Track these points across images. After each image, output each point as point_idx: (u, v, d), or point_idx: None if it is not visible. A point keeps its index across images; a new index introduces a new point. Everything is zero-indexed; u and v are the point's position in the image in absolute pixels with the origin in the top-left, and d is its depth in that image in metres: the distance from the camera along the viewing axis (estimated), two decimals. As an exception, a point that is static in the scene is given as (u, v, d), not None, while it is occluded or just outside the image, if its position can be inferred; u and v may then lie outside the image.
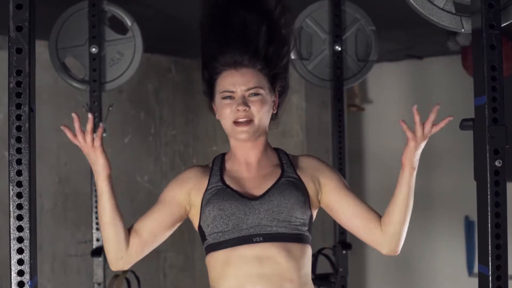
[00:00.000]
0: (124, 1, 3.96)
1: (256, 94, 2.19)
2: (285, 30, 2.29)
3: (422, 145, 2.21)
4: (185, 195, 2.24)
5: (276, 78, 2.26)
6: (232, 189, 2.19)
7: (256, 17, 2.23)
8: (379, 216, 2.25)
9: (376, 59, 4.07)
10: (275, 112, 2.27)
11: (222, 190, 2.19)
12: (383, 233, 2.22)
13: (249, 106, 2.17)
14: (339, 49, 3.97)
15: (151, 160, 5.71)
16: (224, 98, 2.20)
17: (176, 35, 4.98)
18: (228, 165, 2.27)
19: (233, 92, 2.18)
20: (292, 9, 2.33)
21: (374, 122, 6.19)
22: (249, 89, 2.18)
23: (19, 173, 1.97)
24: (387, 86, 6.08)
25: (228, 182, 2.21)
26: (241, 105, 2.16)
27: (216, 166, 2.26)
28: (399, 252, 2.25)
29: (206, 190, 2.21)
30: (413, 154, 2.19)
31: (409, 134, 2.18)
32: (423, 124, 2.19)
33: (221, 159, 2.29)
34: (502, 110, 2.21)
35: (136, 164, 5.60)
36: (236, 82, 2.19)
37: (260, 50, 2.21)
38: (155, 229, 2.26)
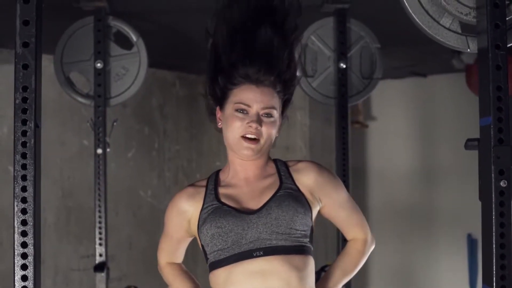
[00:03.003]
0: (129, 17, 3.98)
1: (269, 115, 2.19)
2: (297, 57, 2.31)
3: None
4: (187, 227, 2.27)
5: (287, 103, 2.28)
6: (228, 206, 2.18)
7: (281, 40, 2.24)
8: (358, 233, 2.38)
9: (381, 76, 4.07)
10: (277, 135, 2.27)
11: (218, 208, 2.18)
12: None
13: (261, 126, 2.17)
14: (344, 66, 3.96)
15: (154, 174, 5.71)
16: (237, 110, 2.18)
17: (181, 50, 4.99)
18: (224, 182, 2.27)
19: (249, 107, 2.18)
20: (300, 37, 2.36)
21: (378, 139, 6.19)
22: (265, 108, 2.18)
23: (24, 189, 1.97)
24: (391, 103, 6.08)
25: (224, 199, 2.21)
26: (255, 122, 2.16)
27: (211, 185, 2.25)
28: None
29: (202, 209, 2.21)
30: None
31: None
32: None
33: (215, 176, 2.29)
34: (507, 130, 2.21)
35: (140, 178, 5.60)
36: (255, 98, 2.18)
37: (282, 74, 2.22)
38: (181, 249, 2.38)
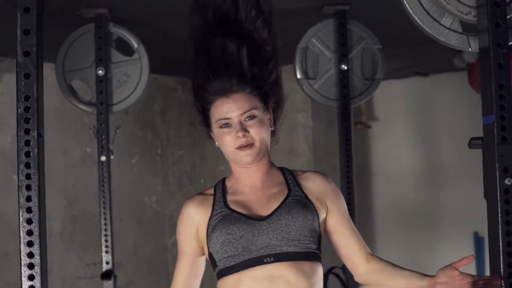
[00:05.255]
0: (130, 23, 3.98)
1: (252, 117, 2.17)
2: (269, 45, 2.28)
3: None
4: (195, 235, 2.25)
5: (267, 95, 2.25)
6: (238, 212, 2.18)
7: (235, 40, 2.23)
8: (366, 253, 2.28)
9: (382, 77, 4.07)
10: (272, 129, 2.26)
11: (227, 215, 2.18)
12: (366, 271, 2.26)
13: (248, 131, 2.16)
14: (345, 68, 3.96)
15: (158, 180, 5.71)
16: (221, 127, 2.19)
17: (182, 56, 4.97)
18: (231, 189, 2.26)
19: (229, 119, 2.17)
20: (274, 22, 2.31)
21: (381, 139, 6.19)
22: (244, 113, 2.17)
23: (28, 199, 1.97)
24: (393, 103, 6.08)
25: (233, 206, 2.20)
26: (240, 131, 2.15)
27: (219, 193, 2.25)
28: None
29: (211, 217, 2.20)
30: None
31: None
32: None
33: (222, 184, 2.28)
34: (511, 128, 2.21)
35: (144, 184, 5.61)
36: (230, 109, 2.17)
37: (245, 73, 2.21)
38: (196, 274, 2.32)
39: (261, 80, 2.23)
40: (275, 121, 2.29)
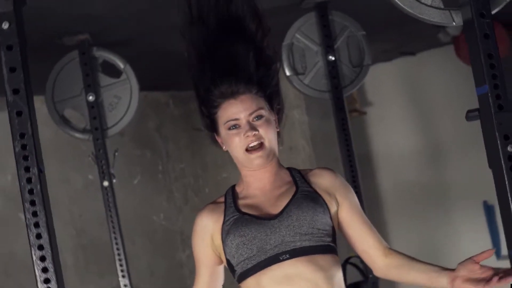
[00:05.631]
0: (113, 44, 3.97)
1: (260, 117, 2.20)
2: (269, 50, 2.32)
3: None
4: (211, 243, 2.25)
5: (272, 97, 2.28)
6: (249, 214, 2.19)
7: (241, 45, 2.27)
8: (382, 245, 2.26)
9: (371, 62, 4.07)
10: (278, 130, 2.28)
11: (239, 219, 2.18)
12: (385, 265, 2.24)
13: (257, 130, 2.18)
14: (333, 58, 3.96)
15: (163, 197, 5.71)
16: (230, 128, 2.20)
17: (170, 69, 4.99)
18: (241, 194, 2.27)
19: (237, 120, 2.19)
20: (271, 29, 2.36)
21: (377, 123, 6.18)
22: (252, 113, 2.19)
23: (38, 236, 1.97)
24: (384, 86, 6.08)
25: (244, 210, 2.21)
26: (249, 130, 2.17)
27: (229, 199, 2.26)
28: None
29: (223, 223, 2.21)
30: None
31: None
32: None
33: (231, 191, 2.29)
34: (505, 96, 2.21)
35: (150, 203, 5.60)
36: (238, 110, 2.20)
37: (252, 75, 2.24)
38: (218, 286, 2.33)
39: (266, 82, 2.27)
40: (279, 122, 2.31)
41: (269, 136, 2.20)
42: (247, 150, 2.19)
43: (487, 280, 2.02)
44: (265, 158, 2.19)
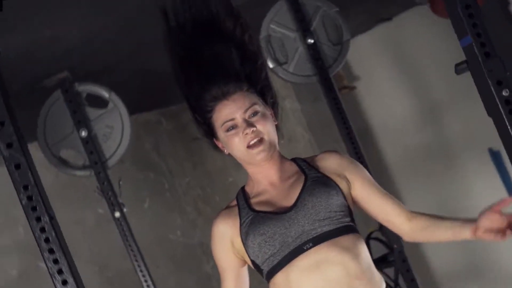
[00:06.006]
0: (94, 74, 3.96)
1: (255, 113, 2.19)
2: (252, 45, 2.30)
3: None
4: (231, 248, 2.24)
5: (264, 91, 2.27)
6: (263, 212, 2.18)
7: (223, 45, 2.25)
8: (404, 210, 2.26)
9: (350, 37, 4.06)
10: (276, 123, 2.27)
11: (255, 218, 2.17)
12: (412, 230, 2.24)
13: (255, 126, 2.17)
14: (312, 41, 3.95)
15: (176, 214, 5.70)
16: (227, 130, 2.19)
17: (154, 88, 4.99)
18: (252, 193, 2.26)
19: (233, 119, 2.18)
20: (251, 24, 2.34)
21: (369, 95, 6.17)
22: (247, 110, 2.18)
23: (64, 282, 1.96)
24: (368, 57, 6.06)
25: (258, 208, 2.20)
26: (247, 128, 2.16)
27: (241, 201, 2.25)
28: None
29: (241, 225, 2.20)
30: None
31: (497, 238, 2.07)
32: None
33: (242, 192, 2.29)
34: (490, 42, 2.21)
35: (164, 223, 5.59)
36: (232, 110, 2.18)
37: (239, 73, 2.22)
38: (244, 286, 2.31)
39: (255, 77, 2.25)
40: (275, 116, 2.30)
41: (267, 129, 2.19)
42: (248, 146, 2.18)
43: (508, 228, 2.03)
44: (267, 152, 2.18)
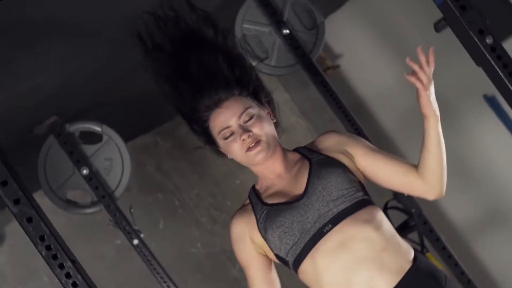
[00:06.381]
0: (83, 112, 3.97)
1: (250, 117, 2.18)
2: (236, 48, 2.29)
3: (432, 89, 2.16)
4: (252, 245, 2.24)
5: (257, 91, 2.25)
6: (276, 204, 2.18)
7: (207, 54, 2.23)
8: (414, 166, 2.22)
9: (323, 18, 4.07)
10: (274, 121, 2.27)
11: (270, 211, 2.18)
12: (424, 182, 2.19)
13: (251, 131, 2.16)
14: (288, 31, 3.95)
15: (192, 227, 5.71)
16: (225, 138, 2.19)
17: (144, 109, 4.99)
18: (262, 189, 2.27)
19: (229, 127, 2.18)
20: (230, 28, 2.34)
21: (354, 70, 6.16)
22: (241, 116, 2.18)
23: (100, 324, 1.97)
24: (346, 33, 6.05)
25: (270, 201, 2.20)
26: (243, 133, 2.16)
27: (253, 198, 2.25)
28: (444, 193, 2.21)
29: (257, 221, 2.20)
30: (430, 101, 2.13)
31: (418, 85, 2.12)
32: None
33: (253, 190, 2.29)
34: (463, -6, 2.21)
35: (183, 239, 5.60)
36: (226, 117, 2.18)
37: (229, 79, 2.21)
38: (270, 275, 2.28)
39: (245, 80, 2.23)
40: (273, 113, 2.29)
41: (264, 131, 2.18)
42: (247, 150, 2.17)
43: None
44: (266, 151, 2.17)
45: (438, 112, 2.16)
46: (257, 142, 2.16)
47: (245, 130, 2.16)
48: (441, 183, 2.20)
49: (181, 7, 2.31)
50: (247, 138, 2.15)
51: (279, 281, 2.31)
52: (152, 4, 2.25)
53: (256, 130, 2.17)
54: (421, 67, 2.14)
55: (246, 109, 2.18)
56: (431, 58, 2.15)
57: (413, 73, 2.15)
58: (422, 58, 2.14)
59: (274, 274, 2.30)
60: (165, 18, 2.30)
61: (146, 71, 2.33)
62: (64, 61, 3.27)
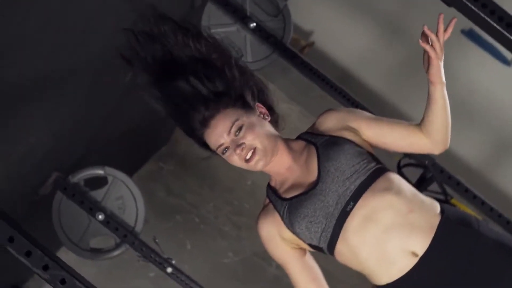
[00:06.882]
0: (82, 160, 3.97)
1: (239, 128, 2.15)
2: (212, 52, 2.22)
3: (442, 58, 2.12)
4: (283, 241, 2.24)
5: (243, 96, 2.21)
6: (295, 196, 2.18)
7: (181, 78, 2.19)
8: (417, 126, 2.22)
9: (285, 1, 4.06)
10: (269, 118, 2.24)
11: (291, 205, 2.18)
12: (431, 140, 2.19)
13: (243, 143, 2.14)
14: (254, 24, 3.95)
15: (218, 239, 5.71)
16: (222, 153, 2.18)
17: (136, 143, 5.00)
18: (277, 185, 2.26)
19: (222, 144, 2.17)
20: (202, 32, 2.27)
21: (330, 42, 6.14)
22: (230, 131, 2.15)
23: None
24: (312, 9, 6.05)
25: (288, 195, 2.20)
26: (237, 148, 2.14)
27: (272, 196, 2.26)
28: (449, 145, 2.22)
29: (282, 218, 2.20)
30: (439, 70, 2.10)
31: (432, 54, 2.08)
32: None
33: (269, 188, 2.29)
34: None
35: (213, 253, 5.61)
36: (216, 137, 2.17)
37: (207, 97, 2.17)
38: (309, 264, 2.28)
39: (226, 88, 2.18)
40: (270, 107, 2.27)
41: (259, 137, 2.16)
42: (245, 161, 2.16)
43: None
44: (264, 158, 2.17)
45: (444, 79, 2.14)
46: (253, 151, 2.15)
47: (238, 145, 2.14)
48: (447, 139, 2.21)
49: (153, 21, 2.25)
50: (241, 152, 2.14)
51: (317, 265, 2.31)
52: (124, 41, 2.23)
53: (249, 139, 2.15)
54: (437, 35, 2.09)
55: (234, 122, 2.16)
56: (450, 29, 2.09)
57: (424, 38, 2.10)
58: (441, 27, 2.09)
59: (311, 262, 2.29)
60: (142, 33, 2.24)
61: (127, 110, 2.31)
62: (49, 116, 3.28)
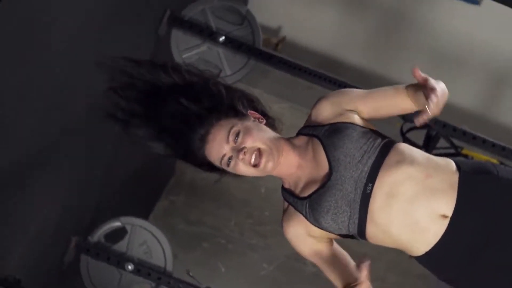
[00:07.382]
0: (97, 217, 3.97)
1: (237, 135, 2.15)
2: (193, 76, 2.23)
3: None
4: (313, 239, 2.23)
5: (233, 106, 2.21)
6: (312, 193, 2.17)
7: (172, 102, 2.19)
8: (405, 90, 2.19)
9: (246, 6, 4.08)
10: (264, 122, 2.23)
11: (311, 203, 2.17)
12: (418, 105, 2.17)
13: (245, 146, 2.14)
14: (223, 37, 3.96)
15: (249, 254, 5.70)
16: (228, 165, 2.17)
17: (141, 183, 5.00)
18: (292, 186, 2.25)
19: (224, 155, 2.16)
20: (178, 63, 2.29)
21: (301, 32, 6.13)
22: (228, 139, 2.15)
23: None
24: (273, 5, 6.05)
25: (306, 194, 2.19)
26: (239, 154, 2.14)
27: (290, 198, 2.25)
28: None
29: (306, 217, 2.19)
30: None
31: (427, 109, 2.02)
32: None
33: (285, 191, 2.28)
34: None
35: (248, 269, 5.61)
36: (216, 149, 2.16)
37: (200, 114, 2.17)
38: (339, 253, 2.27)
39: (216, 103, 2.18)
40: (263, 113, 2.25)
41: (259, 138, 2.16)
42: (253, 166, 2.15)
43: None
44: (272, 158, 2.16)
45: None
46: (259, 153, 2.14)
47: (239, 149, 2.14)
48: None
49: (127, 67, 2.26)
50: (244, 156, 2.13)
51: (344, 251, 2.28)
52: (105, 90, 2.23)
53: (249, 143, 2.14)
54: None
55: (230, 130, 2.15)
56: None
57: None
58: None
59: (339, 249, 2.28)
60: (122, 86, 2.24)
61: (133, 143, 2.30)
62: (52, 186, 3.29)
